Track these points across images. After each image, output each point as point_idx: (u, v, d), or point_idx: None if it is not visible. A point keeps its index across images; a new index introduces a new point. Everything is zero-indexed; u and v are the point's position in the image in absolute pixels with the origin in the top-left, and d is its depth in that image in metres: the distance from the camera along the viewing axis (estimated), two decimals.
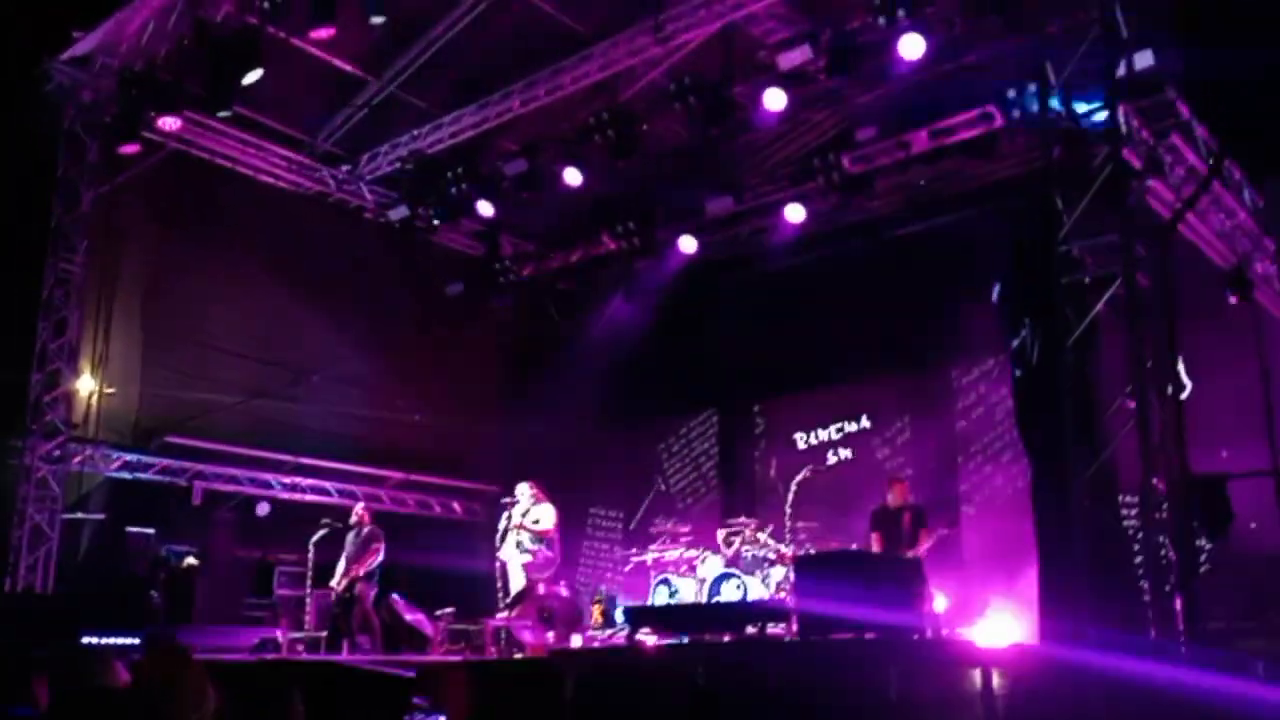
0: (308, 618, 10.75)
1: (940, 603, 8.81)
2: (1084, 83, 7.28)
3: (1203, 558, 8.56)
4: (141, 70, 10.49)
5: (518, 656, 9.11)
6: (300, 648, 10.07)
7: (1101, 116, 7.14)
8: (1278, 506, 8.17)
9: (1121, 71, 7.12)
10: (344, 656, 9.64)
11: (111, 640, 8.38)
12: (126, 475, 11.45)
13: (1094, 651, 6.07)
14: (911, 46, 9.31)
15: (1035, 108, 9.09)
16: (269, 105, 11.66)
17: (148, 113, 10.62)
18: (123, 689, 3.62)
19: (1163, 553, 6.88)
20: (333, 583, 10.30)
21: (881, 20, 9.25)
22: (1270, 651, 7.06)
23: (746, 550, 10.77)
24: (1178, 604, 6.85)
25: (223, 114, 10.73)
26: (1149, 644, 6.57)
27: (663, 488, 13.27)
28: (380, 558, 10.29)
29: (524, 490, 10.62)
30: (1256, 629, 8.28)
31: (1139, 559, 7.20)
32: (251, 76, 9.94)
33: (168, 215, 11.81)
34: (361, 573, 10.16)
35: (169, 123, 10.74)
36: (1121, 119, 7.07)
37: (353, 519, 10.61)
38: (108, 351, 11.22)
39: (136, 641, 8.13)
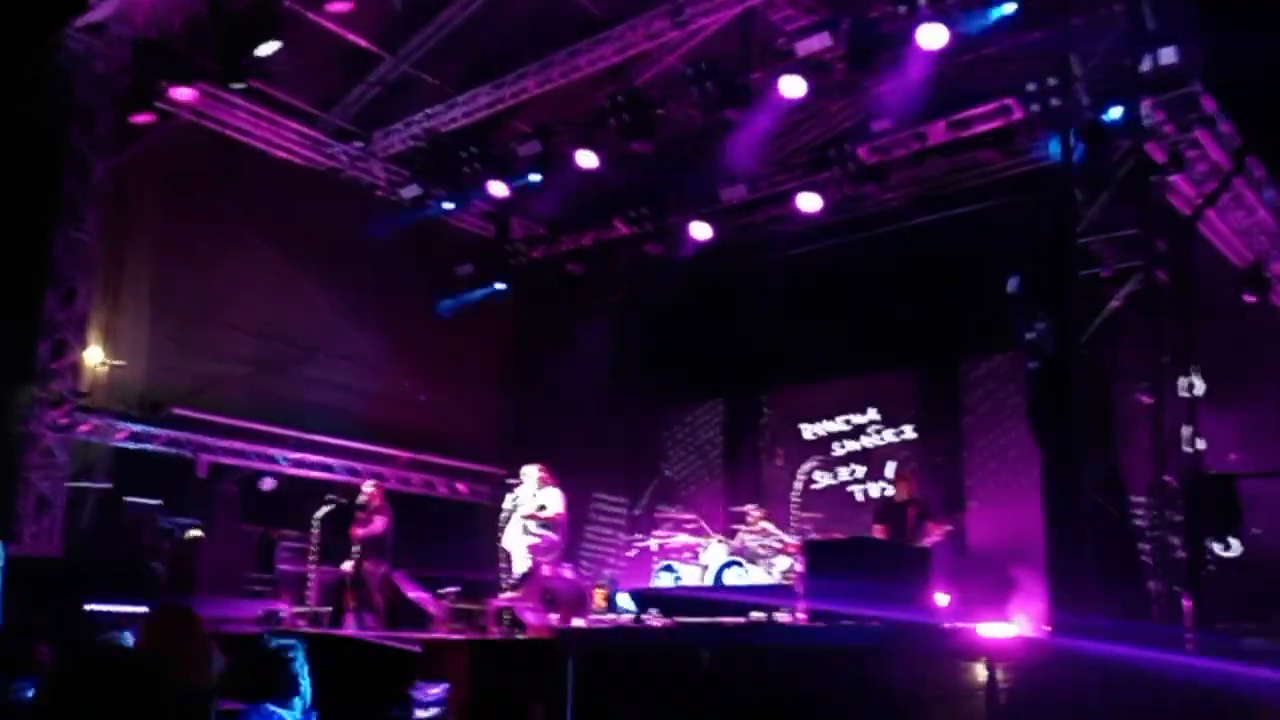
0: (310, 593, 10.75)
1: (942, 599, 8.78)
2: (1107, 76, 7.22)
3: (1209, 557, 8.55)
4: (156, 40, 10.45)
5: (520, 637, 9.11)
6: (303, 622, 10.07)
7: (1123, 110, 7.08)
8: None
9: (1146, 65, 7.07)
10: (348, 631, 9.66)
11: (115, 608, 8.38)
12: (132, 446, 11.44)
13: (1097, 641, 6.07)
14: (932, 36, 9.26)
15: (1056, 100, 9.06)
16: (283, 79, 11.57)
17: (161, 83, 10.59)
18: (128, 649, 3.61)
19: (1172, 551, 6.87)
20: (346, 565, 10.34)
21: (902, 9, 9.20)
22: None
23: (751, 539, 10.77)
24: (1185, 602, 6.84)
25: (237, 86, 10.70)
26: (1154, 635, 6.56)
27: (668, 474, 13.26)
28: (381, 529, 10.31)
29: (531, 473, 10.60)
30: (1259, 630, 8.27)
31: (1145, 556, 7.18)
32: (266, 49, 9.91)
33: (179, 187, 11.74)
34: (361, 535, 10.18)
35: (182, 94, 10.70)
36: (1144, 112, 7.01)
37: (361, 498, 10.62)
38: (116, 322, 11.19)
39: (141, 610, 8.13)
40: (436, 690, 7.02)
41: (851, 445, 12.82)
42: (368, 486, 10.79)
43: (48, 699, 2.44)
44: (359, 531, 10.27)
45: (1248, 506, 7.61)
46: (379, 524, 10.33)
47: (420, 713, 6.85)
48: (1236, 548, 6.98)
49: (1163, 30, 7.51)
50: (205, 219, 11.84)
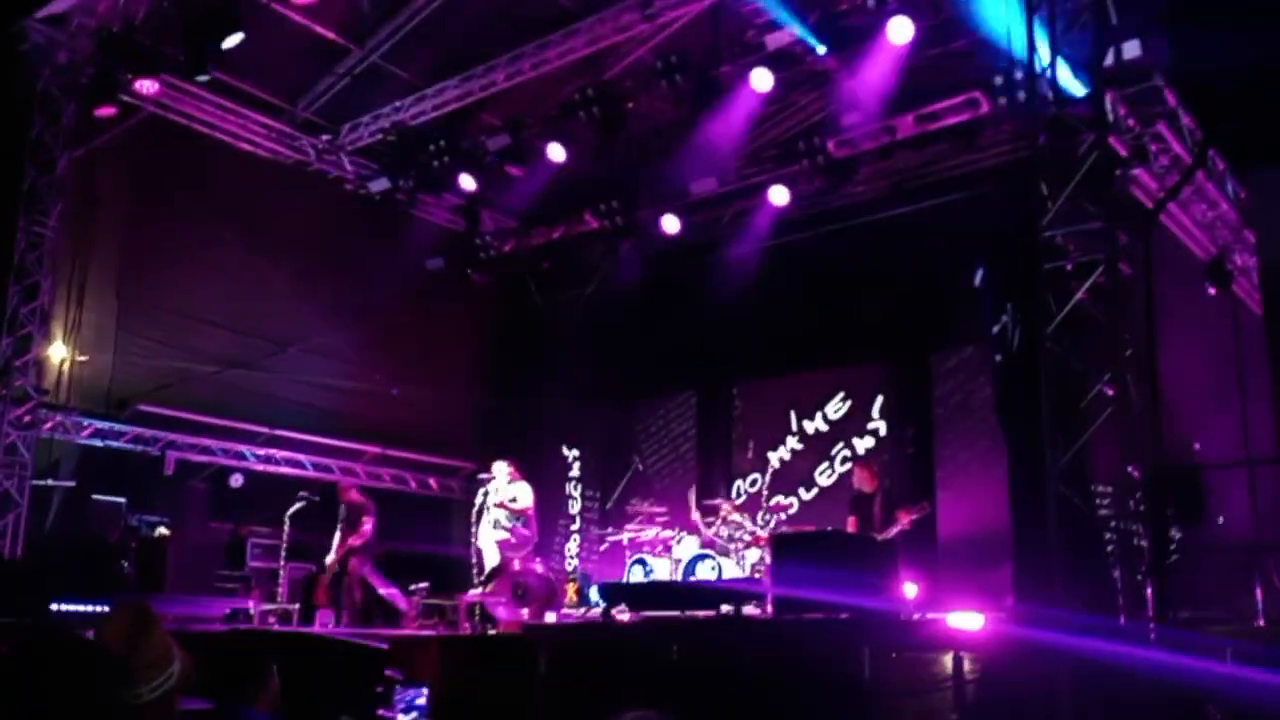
0: (280, 590, 10.70)
1: (910, 589, 8.84)
2: (1072, 70, 7.27)
3: (1172, 547, 8.65)
4: (119, 31, 10.29)
5: (491, 632, 9.10)
6: (272, 620, 10.03)
7: (1088, 104, 7.12)
8: (1250, 497, 8.26)
9: (1110, 59, 7.12)
10: (318, 629, 9.61)
11: (81, 608, 8.30)
12: (98, 443, 11.32)
13: (1065, 633, 6.13)
14: (900, 30, 9.30)
15: (1022, 94, 9.11)
16: (249, 71, 11.47)
17: (125, 75, 10.44)
18: (88, 642, 3.56)
19: (1135, 541, 6.93)
20: (328, 559, 10.35)
21: (871, 2, 9.23)
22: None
23: (723, 531, 10.80)
24: (1148, 591, 6.91)
25: (201, 78, 10.58)
26: (1119, 626, 6.63)
27: (640, 468, 13.27)
28: (372, 531, 10.35)
29: (501, 468, 10.59)
30: (1222, 618, 8.37)
31: (1111, 546, 7.25)
32: (231, 40, 9.81)
33: (144, 180, 11.60)
34: (357, 544, 10.24)
35: (146, 85, 10.55)
36: (1108, 106, 7.07)
37: (342, 510, 10.64)
38: (80, 317, 11.03)
39: (107, 610, 8.05)
40: (418, 694, 7.00)
41: (822, 437, 12.88)
42: (344, 485, 10.80)
43: None
44: (355, 541, 10.27)
45: (1211, 495, 7.73)
46: (369, 527, 10.35)
47: (401, 716, 6.84)
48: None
49: (1127, 24, 7.56)
50: (171, 213, 11.70)
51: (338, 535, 10.47)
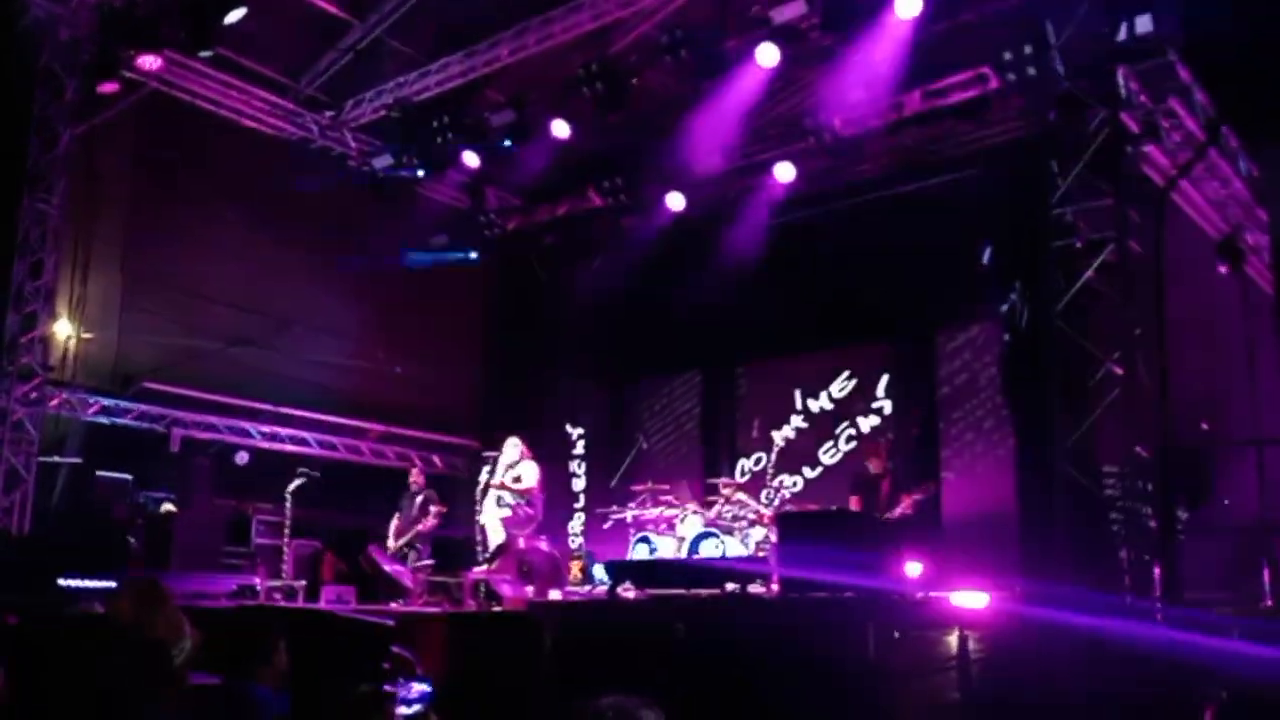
0: (285, 567, 10.73)
1: (914, 568, 8.82)
2: (1083, 44, 7.19)
3: (1180, 527, 8.63)
4: (121, 6, 10.22)
5: (496, 609, 9.11)
6: (278, 596, 10.05)
7: (1100, 79, 7.05)
8: (1258, 477, 8.23)
9: (1122, 34, 7.03)
10: (324, 605, 9.63)
11: (88, 584, 8.32)
12: (104, 420, 11.32)
13: (1070, 611, 6.12)
14: (908, 4, 9.18)
15: (1032, 70, 9.01)
16: (252, 47, 11.39)
17: (127, 51, 10.37)
18: (96, 615, 3.57)
19: (1143, 520, 6.92)
20: (389, 542, 10.49)
21: None
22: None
23: (726, 510, 10.80)
24: (1156, 571, 6.90)
25: (204, 54, 10.51)
26: (1124, 604, 6.62)
27: (644, 446, 13.25)
28: (438, 520, 10.47)
29: (512, 445, 10.59)
30: (1230, 599, 8.36)
31: (1117, 526, 7.23)
32: (234, 16, 9.74)
33: (148, 157, 11.55)
34: (429, 529, 10.45)
35: (149, 62, 10.49)
36: (1120, 82, 6.99)
37: (410, 482, 10.83)
38: (85, 295, 11.02)
39: (114, 585, 8.08)
40: (420, 688, 6.99)
41: (827, 415, 12.84)
42: (413, 472, 11.01)
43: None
44: (427, 526, 10.46)
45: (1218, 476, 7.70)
46: (436, 516, 10.54)
47: (403, 709, 6.84)
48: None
49: None
50: (176, 190, 11.66)
51: (396, 520, 10.63)
